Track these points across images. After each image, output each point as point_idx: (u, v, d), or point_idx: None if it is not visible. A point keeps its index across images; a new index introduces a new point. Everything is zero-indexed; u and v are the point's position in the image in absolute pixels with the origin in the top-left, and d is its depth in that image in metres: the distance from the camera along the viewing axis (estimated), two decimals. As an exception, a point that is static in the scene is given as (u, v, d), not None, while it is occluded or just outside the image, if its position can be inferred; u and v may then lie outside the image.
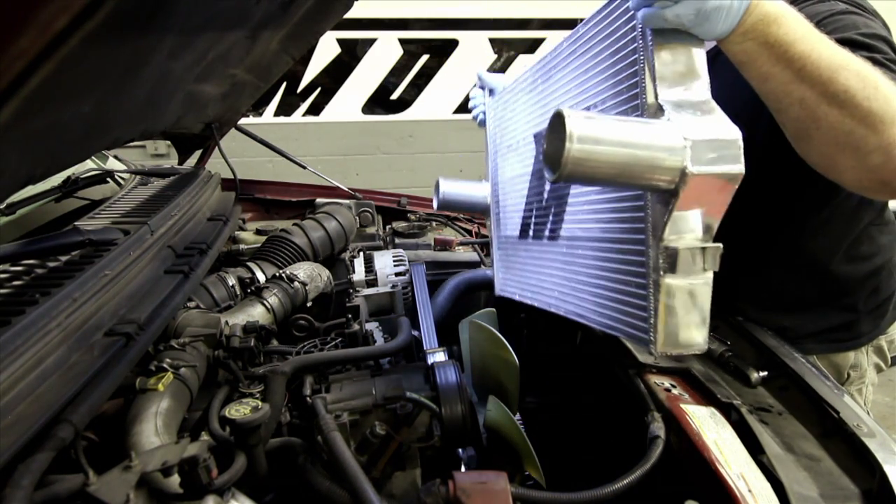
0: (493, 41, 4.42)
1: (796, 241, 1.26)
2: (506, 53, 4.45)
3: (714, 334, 1.19)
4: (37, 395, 0.77)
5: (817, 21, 1.02)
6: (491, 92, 1.52)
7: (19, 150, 0.81)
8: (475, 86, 1.58)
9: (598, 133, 0.70)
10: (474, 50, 4.41)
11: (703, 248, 0.75)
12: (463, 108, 4.53)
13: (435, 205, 1.49)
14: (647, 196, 0.80)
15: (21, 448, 0.69)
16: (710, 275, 0.76)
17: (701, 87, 0.78)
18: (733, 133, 0.73)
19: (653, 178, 0.72)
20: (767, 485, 0.81)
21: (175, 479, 0.72)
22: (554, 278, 1.10)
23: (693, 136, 0.71)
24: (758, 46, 0.83)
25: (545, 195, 1.16)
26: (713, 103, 0.77)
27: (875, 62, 0.92)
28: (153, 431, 0.86)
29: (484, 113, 1.55)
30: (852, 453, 0.88)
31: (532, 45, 4.45)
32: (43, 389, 0.78)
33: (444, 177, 1.51)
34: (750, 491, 0.80)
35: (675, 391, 1.02)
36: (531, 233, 1.23)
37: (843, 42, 0.95)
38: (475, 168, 4.68)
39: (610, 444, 1.33)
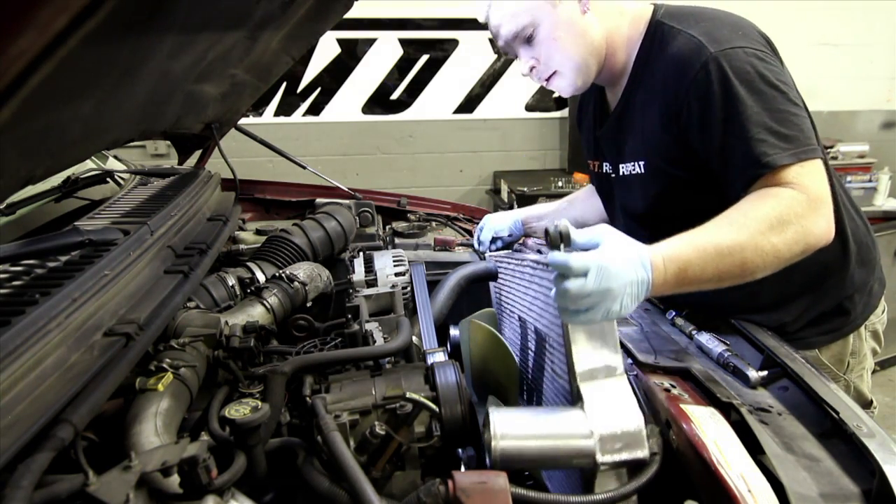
0: (493, 41, 4.41)
1: None
2: (506, 53, 4.45)
3: (714, 334, 1.19)
4: (36, 395, 0.76)
5: (689, 81, 1.13)
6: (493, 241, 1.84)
7: (19, 150, 0.82)
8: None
9: (519, 430, 0.86)
10: (474, 50, 4.41)
11: None
12: (463, 108, 4.53)
13: None
14: None
15: (21, 448, 0.69)
16: None
17: (614, 358, 0.92)
18: (636, 422, 0.86)
19: (571, 464, 0.86)
20: (767, 485, 0.81)
21: (175, 479, 0.72)
22: None
23: (600, 429, 0.85)
24: (679, 287, 0.99)
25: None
26: (624, 376, 0.91)
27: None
28: (153, 431, 0.86)
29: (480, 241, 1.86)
30: (852, 453, 0.88)
31: (532, 45, 4.45)
32: (43, 390, 0.78)
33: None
34: (750, 491, 0.80)
35: (674, 391, 1.02)
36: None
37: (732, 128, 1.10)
38: (475, 168, 4.69)
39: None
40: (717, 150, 1.14)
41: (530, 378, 1.32)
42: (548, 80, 1.32)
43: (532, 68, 1.30)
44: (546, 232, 0.95)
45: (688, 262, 0.97)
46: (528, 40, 1.27)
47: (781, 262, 1.03)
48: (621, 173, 1.36)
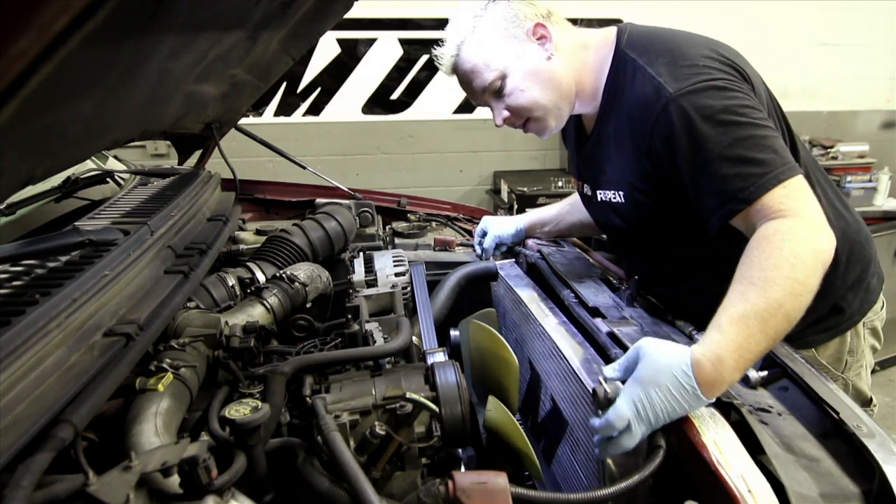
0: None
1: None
2: (506, 53, 4.45)
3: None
4: (37, 395, 0.76)
5: (651, 124, 1.12)
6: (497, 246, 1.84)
7: (19, 150, 0.82)
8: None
9: None
10: (474, 50, 4.40)
11: None
12: (463, 108, 4.53)
13: None
14: None
15: (21, 448, 0.69)
16: None
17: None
18: None
19: None
20: (767, 485, 0.81)
21: (175, 480, 0.72)
22: None
23: None
24: (743, 372, 0.96)
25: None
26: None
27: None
28: (153, 431, 0.86)
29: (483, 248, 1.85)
30: (852, 453, 0.88)
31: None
32: (43, 390, 0.78)
33: None
34: (750, 491, 0.80)
35: (674, 391, 1.02)
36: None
37: (705, 161, 1.08)
38: (475, 168, 4.69)
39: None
40: (690, 188, 1.13)
41: (539, 421, 1.34)
42: (523, 126, 1.33)
43: (505, 119, 1.31)
44: (594, 393, 0.95)
45: (739, 346, 0.95)
46: (497, 93, 1.28)
47: (815, 290, 1.01)
48: (599, 199, 1.36)
